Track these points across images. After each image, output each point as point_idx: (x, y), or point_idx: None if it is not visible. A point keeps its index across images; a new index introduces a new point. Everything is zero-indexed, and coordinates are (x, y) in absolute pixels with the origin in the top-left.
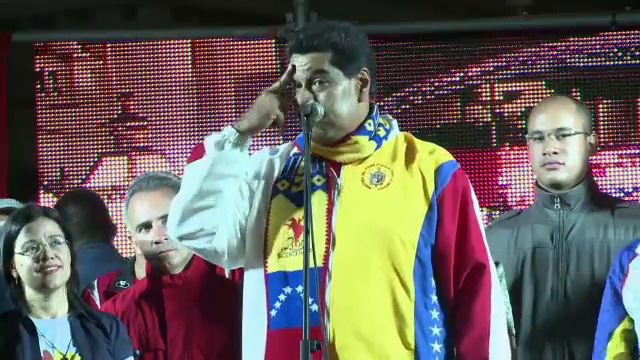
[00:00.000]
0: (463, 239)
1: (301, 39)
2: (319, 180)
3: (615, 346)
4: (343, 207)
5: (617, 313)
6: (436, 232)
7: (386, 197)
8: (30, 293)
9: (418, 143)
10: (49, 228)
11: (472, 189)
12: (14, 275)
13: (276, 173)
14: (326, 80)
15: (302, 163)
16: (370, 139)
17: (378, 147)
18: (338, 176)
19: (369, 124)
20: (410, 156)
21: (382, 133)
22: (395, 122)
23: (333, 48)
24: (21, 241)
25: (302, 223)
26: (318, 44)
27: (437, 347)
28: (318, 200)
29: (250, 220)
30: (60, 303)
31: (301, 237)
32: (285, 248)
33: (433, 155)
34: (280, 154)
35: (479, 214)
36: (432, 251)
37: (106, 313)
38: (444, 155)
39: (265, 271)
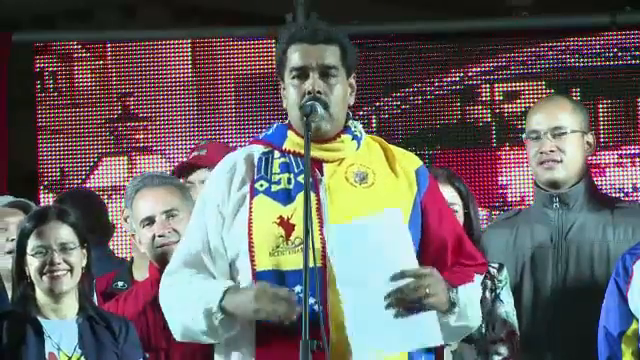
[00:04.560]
0: (460, 241)
1: (314, 30)
2: (304, 179)
3: (630, 345)
4: (334, 206)
5: (624, 315)
6: (427, 233)
7: (372, 196)
8: (40, 295)
9: (392, 147)
10: (60, 233)
11: None
12: (27, 273)
13: (249, 176)
14: (334, 75)
15: (275, 161)
16: (352, 139)
17: (358, 147)
18: (322, 175)
19: (351, 124)
20: (390, 158)
21: (359, 134)
22: (360, 125)
23: (341, 45)
24: (32, 243)
25: (292, 222)
26: (331, 38)
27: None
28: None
29: (227, 223)
30: (70, 305)
31: (293, 235)
32: (277, 246)
33: (409, 158)
34: (247, 157)
35: None
36: (422, 250)
37: (117, 315)
38: (417, 160)
39: (253, 269)
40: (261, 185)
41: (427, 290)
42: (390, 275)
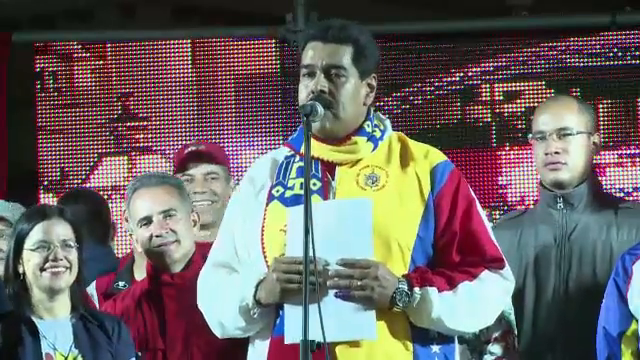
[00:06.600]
0: (470, 237)
1: (327, 28)
2: (315, 185)
3: (629, 345)
4: None
5: (623, 315)
6: (439, 233)
7: (382, 199)
8: (35, 292)
9: (412, 145)
10: (62, 230)
11: (468, 186)
12: (20, 271)
13: (270, 181)
14: (343, 75)
15: (294, 165)
16: (368, 140)
17: (374, 148)
18: (333, 179)
19: (367, 125)
20: (405, 158)
21: (378, 134)
22: (388, 122)
23: (356, 45)
24: (33, 238)
25: None
26: (344, 37)
27: (436, 348)
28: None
29: (245, 228)
30: (63, 305)
31: None
32: (283, 254)
33: (428, 157)
34: (272, 161)
35: (482, 211)
36: (434, 250)
37: (109, 315)
38: (438, 156)
39: None
40: (277, 191)
41: (358, 282)
42: (335, 259)
